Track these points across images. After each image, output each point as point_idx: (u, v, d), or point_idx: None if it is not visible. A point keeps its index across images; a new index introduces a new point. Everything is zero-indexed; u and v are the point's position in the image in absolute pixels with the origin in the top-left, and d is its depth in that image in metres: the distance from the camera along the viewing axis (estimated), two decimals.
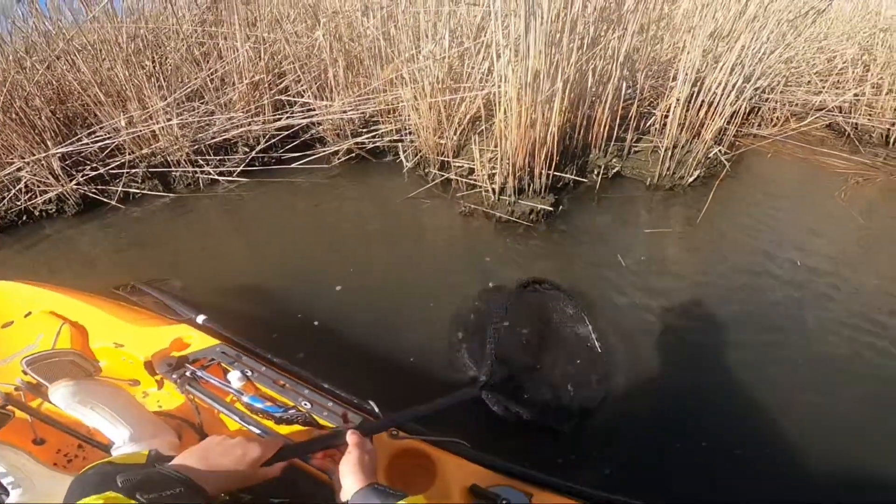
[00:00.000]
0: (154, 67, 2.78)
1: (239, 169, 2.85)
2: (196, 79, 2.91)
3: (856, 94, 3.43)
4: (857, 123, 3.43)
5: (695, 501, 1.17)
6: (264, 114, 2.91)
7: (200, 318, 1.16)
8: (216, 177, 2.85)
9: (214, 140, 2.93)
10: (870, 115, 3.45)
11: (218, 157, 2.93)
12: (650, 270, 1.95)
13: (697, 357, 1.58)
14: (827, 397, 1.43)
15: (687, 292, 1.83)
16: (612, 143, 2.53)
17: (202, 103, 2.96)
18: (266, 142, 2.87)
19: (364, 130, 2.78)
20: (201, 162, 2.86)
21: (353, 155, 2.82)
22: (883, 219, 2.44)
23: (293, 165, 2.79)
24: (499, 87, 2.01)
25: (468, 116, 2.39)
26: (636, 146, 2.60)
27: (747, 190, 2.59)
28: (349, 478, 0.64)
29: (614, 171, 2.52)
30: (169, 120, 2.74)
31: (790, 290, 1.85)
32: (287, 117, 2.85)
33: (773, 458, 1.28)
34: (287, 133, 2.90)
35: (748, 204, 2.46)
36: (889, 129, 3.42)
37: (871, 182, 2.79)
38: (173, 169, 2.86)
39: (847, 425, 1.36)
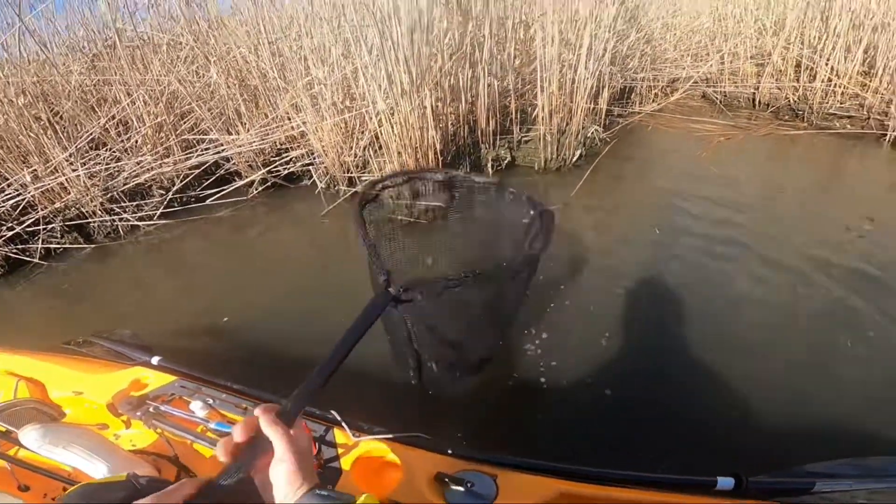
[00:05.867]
0: (49, 119, 2.80)
1: (158, 212, 2.89)
2: (94, 126, 2.95)
3: (720, 64, 3.89)
4: (725, 91, 3.88)
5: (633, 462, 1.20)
6: (173, 154, 2.98)
7: (155, 360, 1.19)
8: (136, 223, 2.88)
9: (127, 186, 2.96)
10: (734, 82, 3.91)
11: (134, 203, 2.97)
12: None
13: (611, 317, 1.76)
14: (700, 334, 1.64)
15: (568, 257, 2.07)
16: (501, 136, 2.78)
17: (106, 150, 3.00)
18: (181, 182, 2.93)
19: (276, 159, 2.91)
20: (117, 210, 2.89)
21: (270, 184, 2.93)
22: (735, 169, 2.83)
23: (212, 202, 2.87)
24: (372, 103, 2.21)
25: (366, 133, 2.57)
26: (526, 136, 2.87)
27: (623, 162, 2.92)
28: (283, 487, 0.52)
29: (507, 161, 2.77)
30: (74, 170, 2.76)
31: (648, 253, 2.11)
32: (197, 155, 2.93)
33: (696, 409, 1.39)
34: (201, 171, 2.97)
35: (621, 174, 2.79)
36: (754, 93, 3.89)
37: (733, 140, 3.20)
38: (90, 220, 2.87)
39: (733, 358, 1.52)
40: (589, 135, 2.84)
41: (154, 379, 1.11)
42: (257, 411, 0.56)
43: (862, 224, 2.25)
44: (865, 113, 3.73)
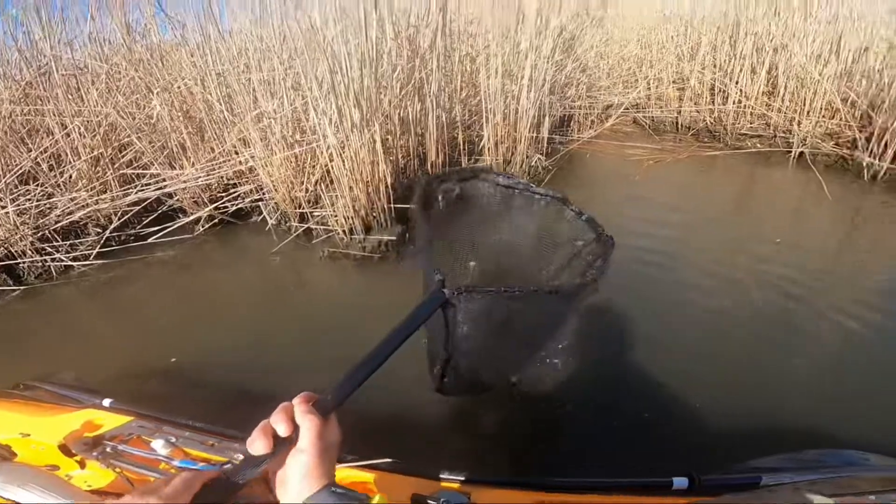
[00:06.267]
0: None
1: (95, 251, 2.76)
2: (25, 160, 2.78)
3: (647, 90, 4.25)
4: (652, 116, 4.25)
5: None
6: (111, 190, 2.85)
7: (106, 402, 1.14)
8: (70, 263, 2.73)
9: (60, 224, 2.81)
10: (660, 106, 4.29)
11: (68, 242, 2.82)
12: None
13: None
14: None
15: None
16: (450, 167, 2.90)
17: (38, 185, 2.83)
18: (119, 219, 2.80)
19: (223, 194, 2.86)
20: (49, 249, 2.73)
21: (217, 220, 2.87)
22: (664, 191, 3.12)
23: (154, 240, 2.77)
24: (323, 137, 2.27)
25: (318, 167, 2.59)
26: (475, 167, 3.01)
27: (565, 188, 3.04)
28: (299, 481, 0.49)
29: (456, 193, 2.87)
30: (3, 207, 2.59)
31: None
32: (137, 191, 2.82)
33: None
34: (141, 207, 2.87)
35: None
36: (677, 117, 4.28)
37: (661, 163, 3.52)
38: (20, 260, 2.69)
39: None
40: (532, 163, 3.03)
41: (108, 420, 1.07)
42: (295, 400, 0.54)
43: (774, 237, 2.56)
44: (772, 131, 4.19)
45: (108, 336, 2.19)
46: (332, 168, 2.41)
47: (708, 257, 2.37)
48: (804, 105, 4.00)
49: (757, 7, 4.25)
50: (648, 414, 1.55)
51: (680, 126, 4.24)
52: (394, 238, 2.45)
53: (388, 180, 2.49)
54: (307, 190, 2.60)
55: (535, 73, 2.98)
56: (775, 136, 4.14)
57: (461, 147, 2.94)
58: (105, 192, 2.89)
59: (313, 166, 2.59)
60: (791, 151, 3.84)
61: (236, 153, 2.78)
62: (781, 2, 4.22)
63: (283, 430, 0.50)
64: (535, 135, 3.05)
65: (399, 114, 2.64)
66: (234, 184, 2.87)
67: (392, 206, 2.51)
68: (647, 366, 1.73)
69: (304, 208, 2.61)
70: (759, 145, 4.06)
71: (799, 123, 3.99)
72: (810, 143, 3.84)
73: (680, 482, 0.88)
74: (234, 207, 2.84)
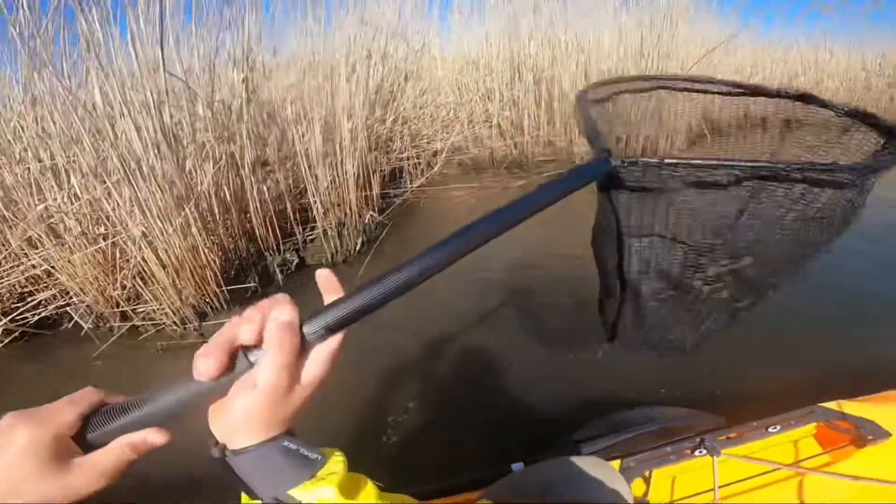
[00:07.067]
0: None
1: None
2: None
3: (464, 133, 4.91)
4: (472, 157, 4.93)
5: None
6: None
7: None
8: None
9: None
10: (477, 147, 5.01)
11: None
12: None
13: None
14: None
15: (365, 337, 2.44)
16: (285, 240, 3.02)
17: None
18: None
19: (19, 304, 2.51)
20: None
21: (18, 333, 2.52)
22: None
23: None
24: (124, 229, 2.21)
25: (131, 261, 2.47)
26: (311, 234, 3.17)
27: (401, 240, 3.42)
28: (239, 423, 0.35)
29: (296, 263, 3.01)
30: None
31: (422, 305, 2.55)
32: None
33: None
34: None
35: (400, 251, 3.26)
36: (490, 153, 5.04)
37: (483, 199, 4.11)
38: None
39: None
40: (366, 222, 3.31)
41: None
42: (280, 296, 0.38)
43: (581, 241, 3.22)
44: (559, 154, 5.20)
45: None
46: (147, 260, 2.35)
47: (523, 266, 2.93)
48: (576, 127, 5.05)
49: (530, 44, 5.11)
50: (483, 411, 1.85)
51: (495, 162, 5.00)
52: (225, 320, 2.48)
53: (217, 263, 2.51)
54: (124, 287, 2.46)
55: (354, 133, 3.26)
56: (562, 158, 5.15)
57: (292, 217, 3.08)
58: None
59: (126, 260, 2.47)
60: None
61: (26, 256, 2.48)
62: (548, 37, 5.10)
63: (246, 340, 0.36)
64: (365, 194, 3.35)
65: (217, 193, 2.67)
66: (30, 291, 2.55)
67: (225, 288, 2.54)
68: (469, 367, 2.09)
69: (123, 306, 2.47)
70: (552, 169, 5.01)
71: (575, 145, 5.05)
72: (587, 161, 4.87)
73: (517, 467, 0.96)
74: (36, 317, 2.51)
